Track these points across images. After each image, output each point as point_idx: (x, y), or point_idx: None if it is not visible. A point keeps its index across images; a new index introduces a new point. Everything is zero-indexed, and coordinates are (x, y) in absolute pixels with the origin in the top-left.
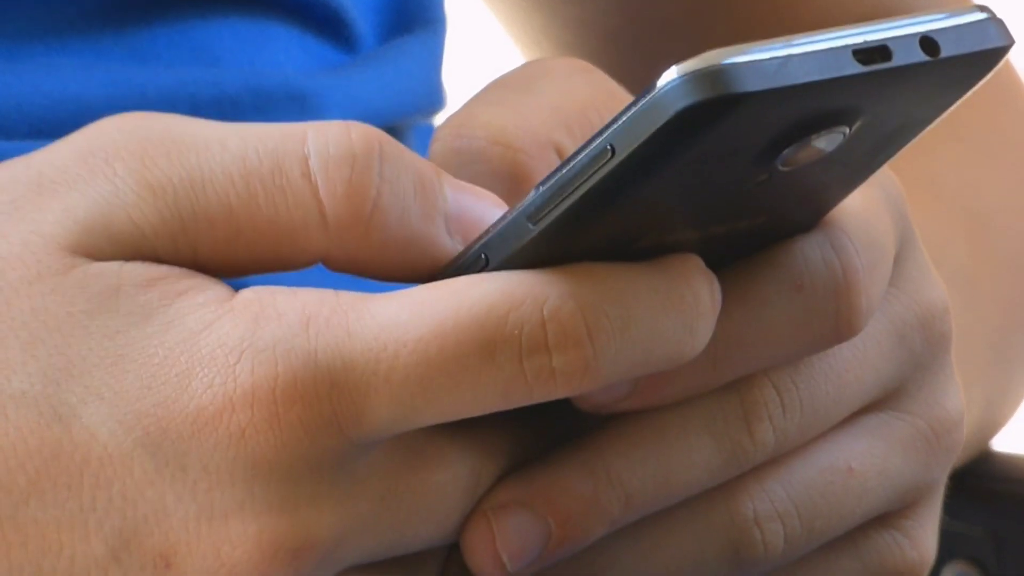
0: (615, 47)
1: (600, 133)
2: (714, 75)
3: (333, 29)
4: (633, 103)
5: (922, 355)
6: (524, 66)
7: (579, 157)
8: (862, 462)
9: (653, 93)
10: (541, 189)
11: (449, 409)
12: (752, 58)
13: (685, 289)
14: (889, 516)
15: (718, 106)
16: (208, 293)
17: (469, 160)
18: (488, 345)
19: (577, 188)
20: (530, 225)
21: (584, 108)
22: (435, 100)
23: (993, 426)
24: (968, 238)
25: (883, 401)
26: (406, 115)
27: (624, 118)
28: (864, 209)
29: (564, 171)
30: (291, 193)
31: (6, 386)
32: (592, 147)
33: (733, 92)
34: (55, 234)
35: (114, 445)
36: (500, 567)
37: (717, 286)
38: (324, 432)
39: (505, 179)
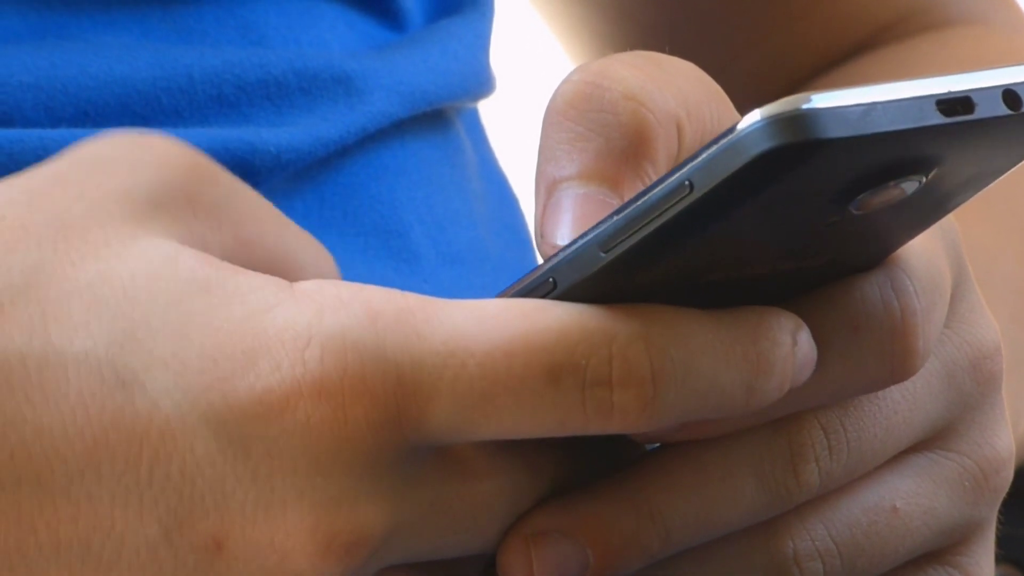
0: (653, 38)
1: (679, 168)
2: (797, 120)
3: (380, 6)
4: (714, 141)
5: (971, 395)
6: (648, 52)
7: (656, 190)
8: (907, 501)
9: (735, 133)
10: (615, 218)
11: (506, 427)
12: (836, 104)
13: (750, 347)
14: (944, 553)
15: (799, 151)
16: (263, 276)
17: (598, 107)
18: (554, 370)
19: (652, 220)
20: (601, 253)
21: (701, 102)
22: (483, 84)
23: None
24: (1017, 247)
25: (931, 440)
26: (453, 98)
27: (704, 155)
28: (925, 250)
29: (639, 202)
30: None
31: (68, 346)
32: (670, 181)
33: (815, 138)
34: (121, 209)
35: (177, 418)
36: None
37: (804, 348)
38: (386, 430)
39: (629, 134)
